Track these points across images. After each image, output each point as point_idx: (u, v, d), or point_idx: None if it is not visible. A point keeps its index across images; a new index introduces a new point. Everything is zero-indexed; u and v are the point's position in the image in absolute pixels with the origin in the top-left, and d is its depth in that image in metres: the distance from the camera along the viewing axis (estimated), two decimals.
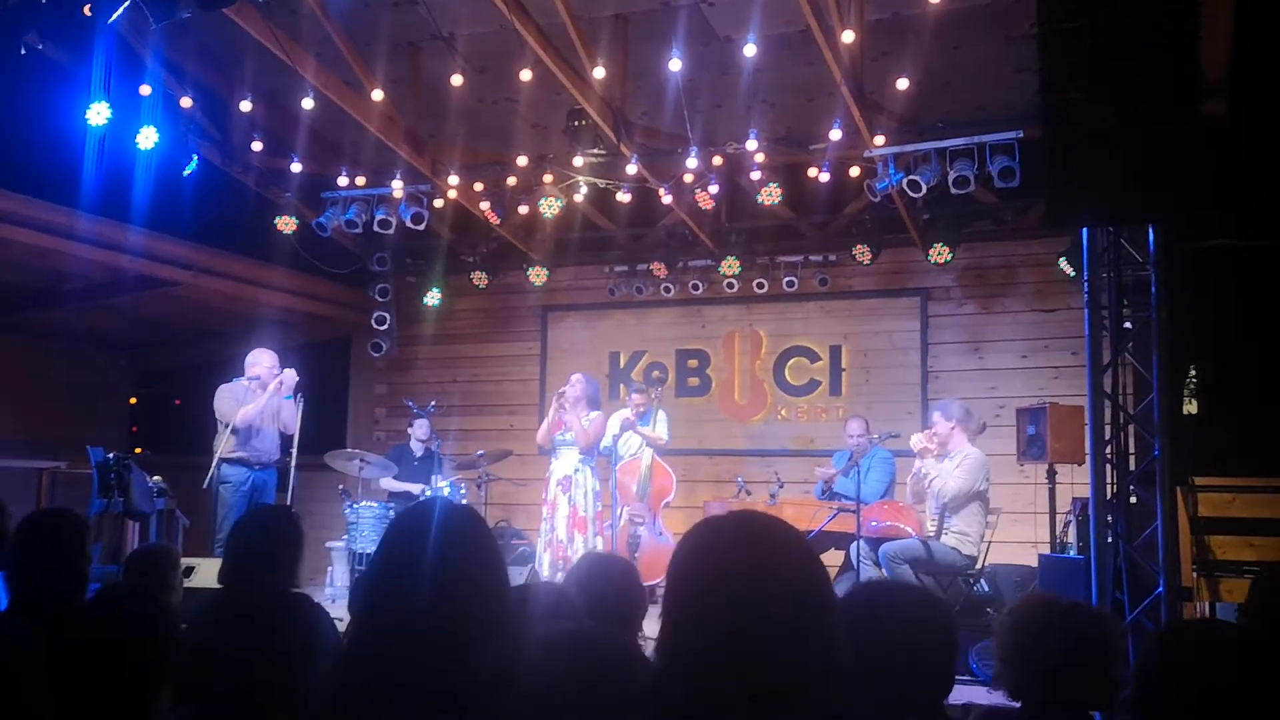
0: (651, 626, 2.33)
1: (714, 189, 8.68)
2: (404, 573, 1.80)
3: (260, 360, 7.73)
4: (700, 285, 10.00)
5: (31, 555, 3.34)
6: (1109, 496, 5.64)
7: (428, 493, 8.50)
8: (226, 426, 7.46)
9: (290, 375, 7.72)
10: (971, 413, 7.31)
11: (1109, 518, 5.60)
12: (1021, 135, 7.56)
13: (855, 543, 7.13)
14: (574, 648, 1.84)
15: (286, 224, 9.45)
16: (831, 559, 7.93)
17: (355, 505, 8.43)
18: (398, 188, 9.08)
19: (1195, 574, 5.76)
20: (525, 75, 7.64)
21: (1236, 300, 7.14)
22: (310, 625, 2.89)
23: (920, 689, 2.05)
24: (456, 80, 7.85)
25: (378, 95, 7.98)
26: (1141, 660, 2.01)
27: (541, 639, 1.85)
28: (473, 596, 1.80)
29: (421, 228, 9.32)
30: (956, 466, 6.98)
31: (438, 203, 9.41)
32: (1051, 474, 7.12)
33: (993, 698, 2.76)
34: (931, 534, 7.08)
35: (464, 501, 8.32)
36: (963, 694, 5.54)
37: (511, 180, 9.32)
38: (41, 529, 3.43)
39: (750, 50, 7.25)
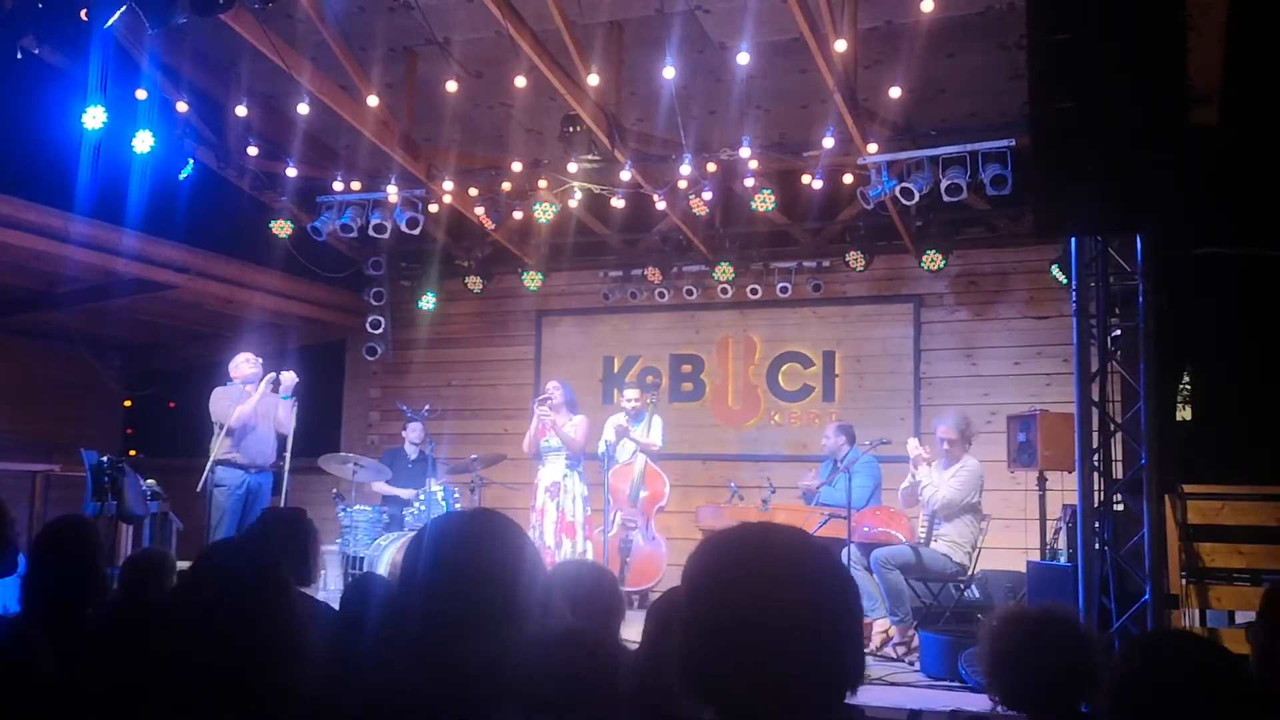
0: (631, 631, 2.34)
1: (708, 195, 8.71)
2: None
3: (239, 363, 7.79)
4: (694, 291, 10.03)
5: (51, 563, 3.35)
6: (1096, 504, 5.67)
7: (421, 497, 8.51)
8: (222, 428, 7.49)
9: (289, 376, 7.75)
10: (971, 423, 7.34)
11: (1096, 525, 5.62)
12: (1014, 143, 7.59)
13: (846, 548, 7.15)
14: (562, 648, 1.86)
15: (282, 228, 9.47)
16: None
17: (349, 509, 8.44)
18: (393, 192, 9.11)
19: (1184, 581, 5.78)
20: (520, 81, 7.67)
21: (1230, 308, 7.17)
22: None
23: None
24: (452, 86, 7.89)
25: (373, 100, 8.00)
26: (1119, 668, 2.03)
27: (529, 639, 1.87)
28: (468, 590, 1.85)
29: (416, 232, 9.34)
30: (952, 476, 7.01)
31: (433, 207, 9.43)
32: (1042, 481, 7.14)
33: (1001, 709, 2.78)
34: (922, 540, 7.11)
35: (480, 507, 8.35)
36: (952, 699, 5.58)
37: (506, 185, 9.36)
38: (61, 537, 3.44)
39: (744, 58, 7.28)
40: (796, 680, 1.40)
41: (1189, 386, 8.32)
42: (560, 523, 7.71)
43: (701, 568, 1.50)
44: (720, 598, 1.45)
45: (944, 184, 7.82)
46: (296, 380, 7.77)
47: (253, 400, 7.58)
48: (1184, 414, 8.36)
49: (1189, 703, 1.88)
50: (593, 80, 7.54)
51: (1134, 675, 2.01)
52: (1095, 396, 5.74)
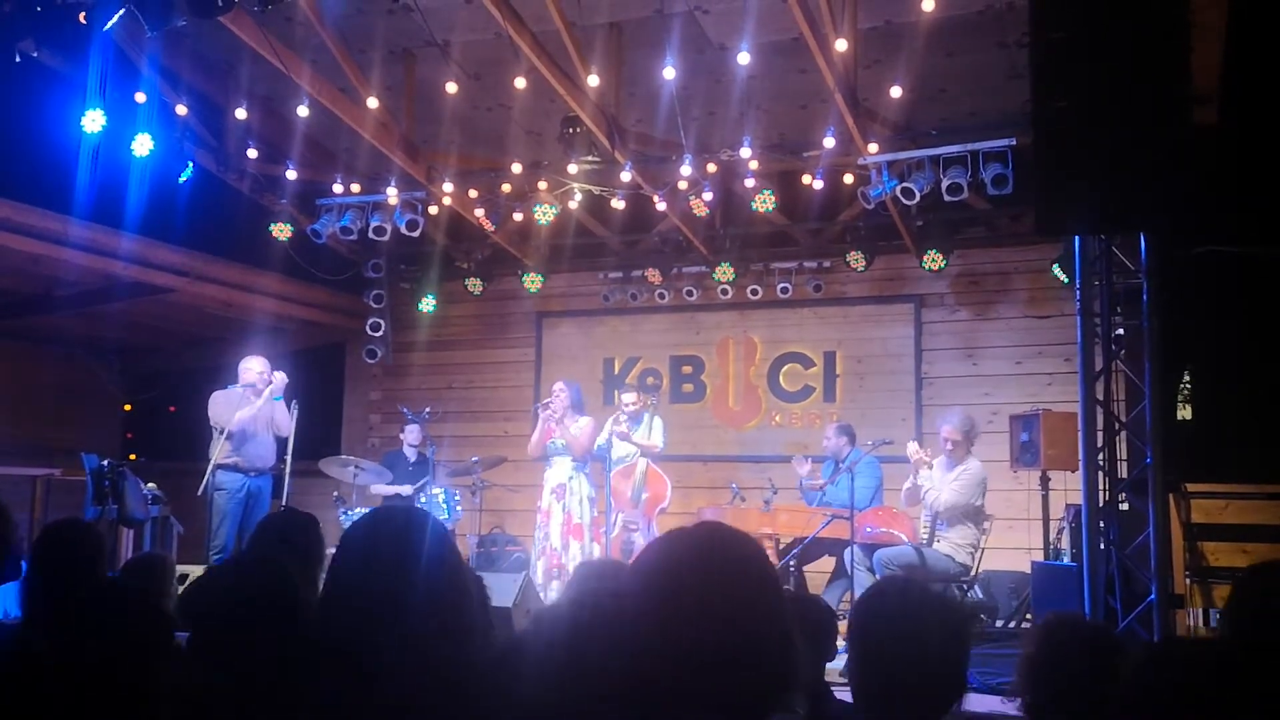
0: None
1: (708, 196, 8.70)
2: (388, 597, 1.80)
3: (251, 366, 7.74)
4: (694, 291, 10.01)
5: (50, 567, 3.33)
6: (1101, 503, 5.66)
7: (422, 499, 8.49)
8: (221, 432, 7.46)
9: (280, 378, 7.72)
10: (975, 423, 7.33)
11: (1101, 524, 5.61)
12: (1015, 143, 7.58)
13: (849, 548, 7.14)
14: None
15: (281, 230, 9.45)
16: (825, 565, 7.94)
17: (349, 511, 8.42)
18: (392, 194, 9.09)
19: (1188, 580, 5.79)
20: (520, 83, 7.66)
21: (1230, 307, 7.17)
22: None
23: (930, 693, 2.05)
24: (451, 87, 7.88)
25: (373, 102, 7.99)
26: (1131, 677, 2.00)
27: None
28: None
29: (416, 234, 9.33)
30: (955, 479, 7.00)
31: (432, 209, 9.41)
32: (1045, 481, 7.14)
33: (1005, 707, 2.76)
34: (925, 540, 7.10)
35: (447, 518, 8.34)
36: None
37: (506, 187, 9.35)
38: (60, 541, 3.42)
39: (744, 58, 7.27)
40: (735, 682, 1.41)
41: (1189, 386, 8.32)
42: (567, 524, 7.69)
43: (637, 573, 1.52)
44: (653, 602, 1.47)
45: (945, 183, 7.81)
46: (286, 381, 7.74)
47: (256, 405, 7.55)
48: (1184, 413, 8.35)
49: (1203, 713, 1.85)
50: (592, 81, 7.52)
51: (1145, 686, 1.98)
52: (1099, 395, 5.73)
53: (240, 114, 8.44)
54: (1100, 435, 5.75)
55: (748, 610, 1.45)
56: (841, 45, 6.95)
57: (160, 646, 2.30)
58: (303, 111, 8.05)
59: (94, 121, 6.74)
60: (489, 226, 9.51)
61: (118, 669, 2.21)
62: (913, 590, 2.23)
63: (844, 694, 2.20)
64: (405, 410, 9.31)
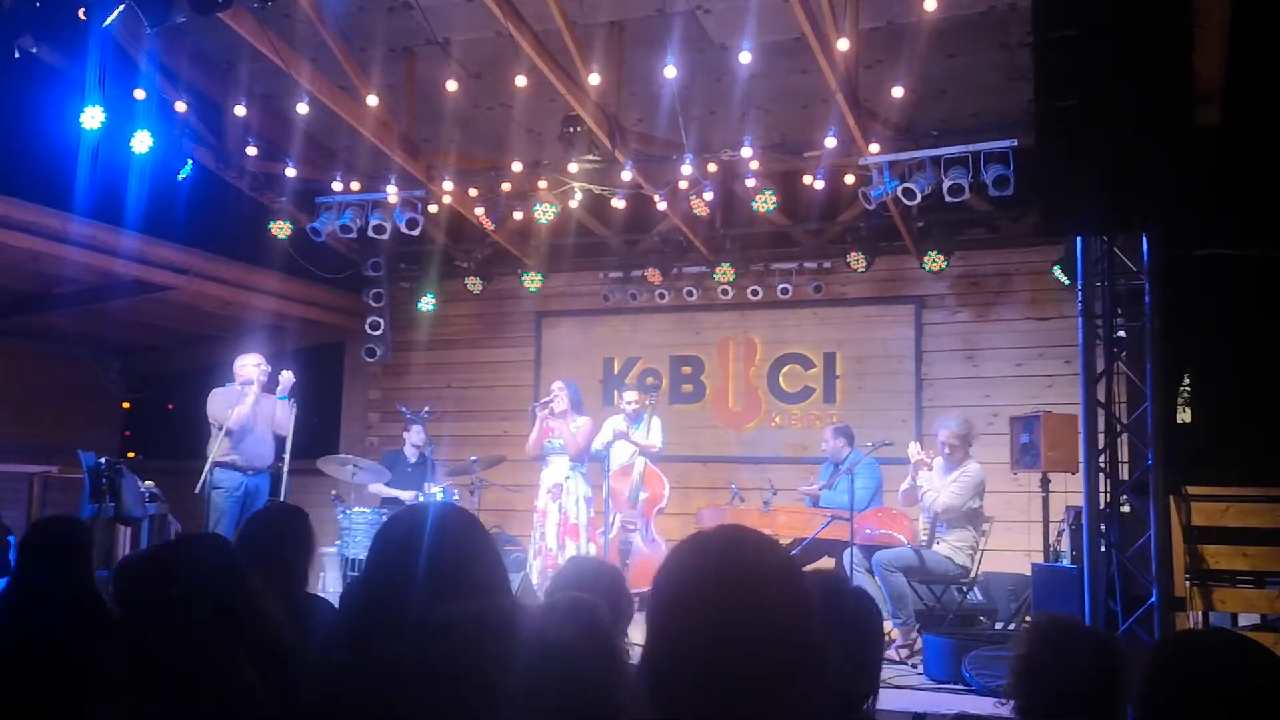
0: (638, 633, 2.31)
1: (709, 196, 8.68)
2: (397, 594, 1.76)
3: (246, 362, 7.72)
4: (695, 292, 9.99)
5: (38, 562, 3.31)
6: (1102, 506, 5.63)
7: (420, 499, 8.47)
8: (220, 429, 7.44)
9: (287, 377, 7.71)
10: (973, 426, 7.32)
11: (1102, 527, 5.59)
12: (1016, 144, 7.56)
13: (848, 550, 7.12)
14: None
15: (281, 229, 9.43)
16: (824, 566, 7.92)
17: (348, 511, 8.40)
18: (392, 193, 9.07)
19: (1188, 583, 5.75)
20: (520, 81, 7.66)
21: (1231, 308, 7.14)
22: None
23: (836, 685, 2.03)
24: (452, 86, 7.87)
25: (372, 100, 7.97)
26: (1149, 668, 1.98)
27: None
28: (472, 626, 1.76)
29: (416, 233, 9.31)
30: (953, 481, 6.98)
31: (432, 208, 9.40)
32: (1045, 483, 7.11)
33: (999, 709, 2.74)
34: (924, 542, 7.08)
35: (458, 504, 8.30)
36: (957, 703, 5.55)
37: (506, 186, 9.33)
38: (50, 536, 3.40)
39: (745, 57, 7.26)
40: (761, 687, 1.38)
41: (1189, 388, 8.29)
42: (564, 524, 7.67)
43: (666, 579, 1.49)
44: (682, 609, 1.44)
45: (946, 184, 7.79)
46: (294, 380, 7.72)
47: (249, 401, 7.52)
48: (1183, 416, 8.33)
49: (1227, 703, 1.83)
50: (593, 80, 7.51)
51: (1167, 676, 1.96)
52: (1100, 397, 5.71)
53: (240, 111, 8.43)
54: (1101, 437, 5.73)
55: (774, 622, 1.41)
56: (843, 45, 6.94)
57: (98, 628, 2.27)
58: (302, 109, 8.03)
59: (93, 118, 6.71)
60: (489, 225, 9.49)
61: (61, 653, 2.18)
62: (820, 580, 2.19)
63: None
64: (404, 409, 9.28)
